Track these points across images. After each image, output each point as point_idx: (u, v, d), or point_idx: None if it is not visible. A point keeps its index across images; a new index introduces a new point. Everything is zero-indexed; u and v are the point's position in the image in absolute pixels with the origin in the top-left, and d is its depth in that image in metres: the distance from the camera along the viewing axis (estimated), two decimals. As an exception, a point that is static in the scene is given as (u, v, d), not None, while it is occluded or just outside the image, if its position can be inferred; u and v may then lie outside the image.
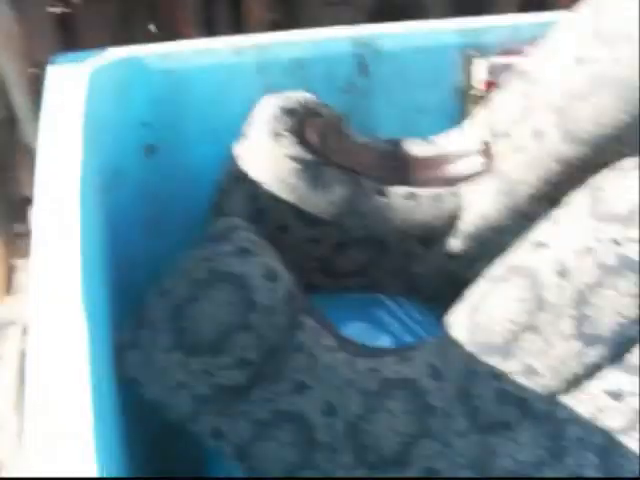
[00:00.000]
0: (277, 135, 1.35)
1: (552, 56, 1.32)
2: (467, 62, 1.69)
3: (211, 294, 1.24)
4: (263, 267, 1.25)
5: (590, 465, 1.23)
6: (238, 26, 2.60)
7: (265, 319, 1.24)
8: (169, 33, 2.56)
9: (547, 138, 1.31)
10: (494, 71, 1.65)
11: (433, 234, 1.41)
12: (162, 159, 1.59)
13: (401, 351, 1.30)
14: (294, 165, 1.34)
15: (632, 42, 1.24)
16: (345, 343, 1.29)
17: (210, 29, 2.55)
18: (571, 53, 1.29)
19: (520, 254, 1.25)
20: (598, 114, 1.27)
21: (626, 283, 1.19)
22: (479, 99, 1.65)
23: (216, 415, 1.27)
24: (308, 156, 1.35)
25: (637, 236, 1.19)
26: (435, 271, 1.46)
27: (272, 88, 1.54)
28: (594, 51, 1.26)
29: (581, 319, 1.20)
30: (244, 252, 1.26)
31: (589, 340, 1.21)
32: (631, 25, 1.27)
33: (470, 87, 1.71)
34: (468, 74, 1.71)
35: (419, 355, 1.27)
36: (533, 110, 1.33)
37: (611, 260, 1.19)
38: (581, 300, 1.20)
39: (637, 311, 1.20)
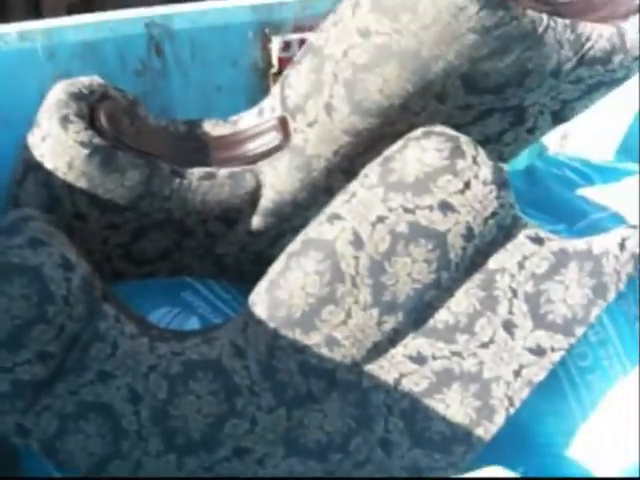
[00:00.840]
0: (66, 121, 1.32)
1: (338, 30, 1.33)
2: (263, 40, 1.69)
3: (4, 289, 1.20)
4: (57, 257, 1.22)
5: (396, 430, 1.26)
6: (35, 13, 2.52)
7: (63, 310, 1.21)
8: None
9: (338, 111, 1.33)
10: (289, 47, 1.65)
11: (234, 213, 1.41)
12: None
13: (205, 332, 1.29)
14: (84, 151, 1.31)
15: (413, 12, 1.26)
16: (148, 329, 1.28)
17: (4, 16, 2.46)
18: (354, 26, 1.30)
19: (316, 227, 1.26)
20: (384, 85, 1.29)
21: (419, 249, 1.22)
22: (277, 76, 1.65)
23: (20, 412, 1.23)
24: (99, 141, 1.32)
25: (427, 203, 1.22)
26: (239, 250, 1.45)
27: (64, 74, 1.50)
28: (376, 23, 1.28)
29: (378, 287, 1.22)
30: (36, 243, 1.23)
31: (387, 308, 1.23)
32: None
33: (269, 65, 1.72)
34: (266, 52, 1.71)
35: (223, 335, 1.27)
36: (324, 84, 1.34)
37: (402, 227, 1.22)
38: (377, 269, 1.22)
39: (431, 276, 1.23)
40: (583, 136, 1.93)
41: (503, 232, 1.24)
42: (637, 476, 1.28)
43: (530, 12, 1.32)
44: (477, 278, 1.24)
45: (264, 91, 1.65)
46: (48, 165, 1.33)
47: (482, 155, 1.26)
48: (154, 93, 1.65)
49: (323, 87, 1.34)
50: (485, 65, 1.30)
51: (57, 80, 1.43)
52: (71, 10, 2.49)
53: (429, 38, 1.27)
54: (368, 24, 1.30)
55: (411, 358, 1.26)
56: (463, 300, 1.23)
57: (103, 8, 2.26)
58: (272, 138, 1.41)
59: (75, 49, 1.58)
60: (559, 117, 1.45)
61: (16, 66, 1.55)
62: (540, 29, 1.32)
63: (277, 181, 1.39)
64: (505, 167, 1.33)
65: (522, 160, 1.70)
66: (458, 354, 1.24)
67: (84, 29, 1.59)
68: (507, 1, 1.30)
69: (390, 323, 1.23)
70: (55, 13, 2.46)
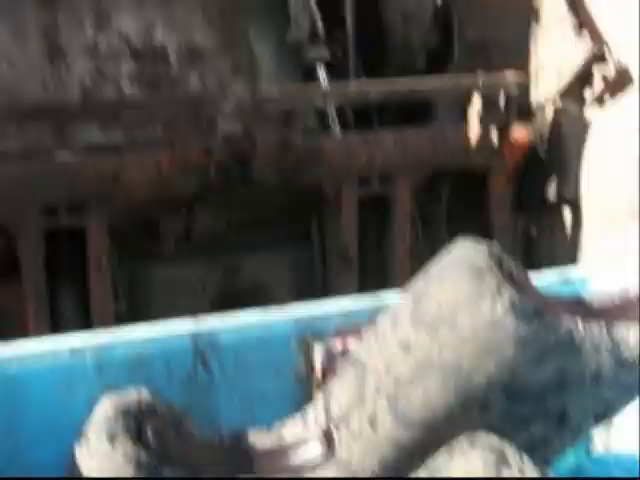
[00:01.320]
0: (114, 438, 1.35)
1: (379, 343, 1.38)
2: (305, 349, 1.74)
3: None
4: None
5: None
6: (85, 316, 2.63)
7: None
8: (14, 328, 2.57)
9: (381, 424, 1.34)
10: (331, 357, 1.69)
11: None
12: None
13: None
14: (130, 468, 1.32)
15: (452, 326, 1.31)
16: None
17: (55, 319, 2.57)
18: (395, 339, 1.34)
19: None
20: (426, 397, 1.31)
21: None
22: (320, 385, 1.68)
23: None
24: (145, 457, 1.34)
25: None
26: None
27: (112, 385, 1.54)
28: (416, 337, 1.32)
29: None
30: None
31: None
32: (449, 310, 1.34)
33: (312, 373, 1.75)
34: (308, 361, 1.75)
35: None
36: (367, 397, 1.37)
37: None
38: None
39: None
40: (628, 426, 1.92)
41: None
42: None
43: (565, 318, 1.36)
44: None
45: (307, 399, 1.68)
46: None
47: (528, 464, 1.26)
48: (200, 402, 1.68)
49: (366, 399, 1.37)
50: (525, 374, 1.33)
51: (105, 391, 1.47)
52: (119, 317, 2.60)
53: (469, 351, 1.31)
54: (408, 338, 1.34)
55: None
56: None
57: (149, 313, 2.35)
58: (317, 451, 1.42)
59: (124, 363, 1.62)
60: (602, 417, 1.46)
61: (66, 379, 1.60)
62: (576, 336, 1.35)
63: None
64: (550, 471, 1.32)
65: (569, 456, 1.69)
66: None
67: (133, 344, 1.64)
68: (542, 311, 1.34)
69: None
70: (104, 318, 2.57)
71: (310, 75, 3.28)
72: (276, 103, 2.47)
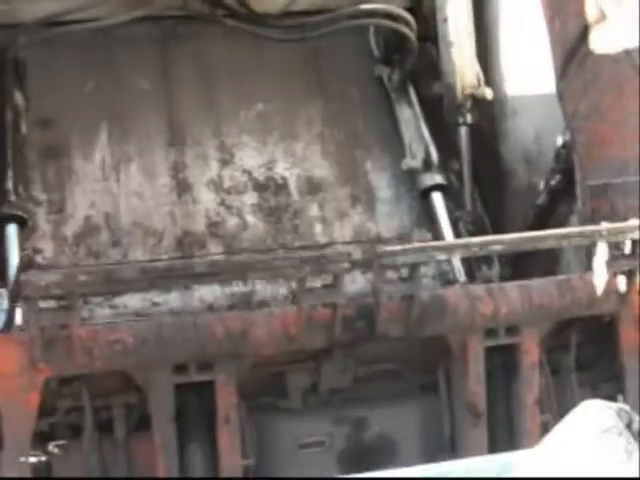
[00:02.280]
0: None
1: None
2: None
3: None
4: None
5: None
6: (213, 469, 2.66)
7: None
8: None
9: None
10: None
11: None
12: None
13: None
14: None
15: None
16: None
17: (184, 471, 2.60)
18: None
19: None
20: None
21: None
22: None
23: None
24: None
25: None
26: None
27: None
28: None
29: None
30: None
31: None
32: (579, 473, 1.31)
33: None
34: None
35: None
36: None
37: None
38: None
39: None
40: None
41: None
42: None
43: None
44: None
45: None
46: None
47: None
48: None
49: None
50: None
51: None
52: (247, 471, 2.63)
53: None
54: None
55: None
56: None
57: (276, 467, 2.35)
58: None
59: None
60: None
61: None
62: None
63: None
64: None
65: None
66: None
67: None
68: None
69: None
70: (232, 472, 2.59)
71: (425, 200, 3.41)
72: (399, 257, 2.50)
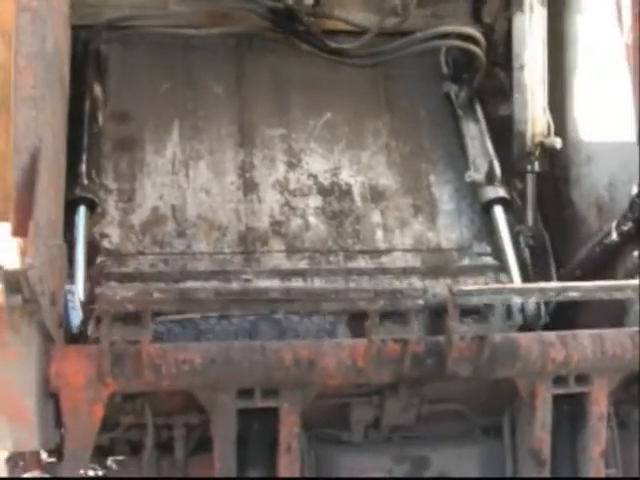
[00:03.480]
0: None
1: None
2: None
3: None
4: None
5: None
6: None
7: None
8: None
9: None
10: None
11: None
12: None
13: None
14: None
15: None
16: None
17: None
18: None
19: None
20: None
21: None
22: None
23: None
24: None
25: None
26: None
27: None
28: None
29: None
30: None
31: None
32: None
33: None
34: None
35: None
36: None
37: None
38: None
39: None
40: None
41: None
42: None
43: None
44: None
45: None
46: None
47: None
48: None
49: None
50: None
51: None
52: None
53: None
54: None
55: None
56: None
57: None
58: None
59: None
60: None
61: None
62: None
63: None
64: None
65: None
66: None
67: None
68: None
69: None
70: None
71: (487, 214, 3.46)
72: (473, 297, 2.47)
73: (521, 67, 3.60)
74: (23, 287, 2.21)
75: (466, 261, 3.33)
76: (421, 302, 2.45)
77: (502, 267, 3.31)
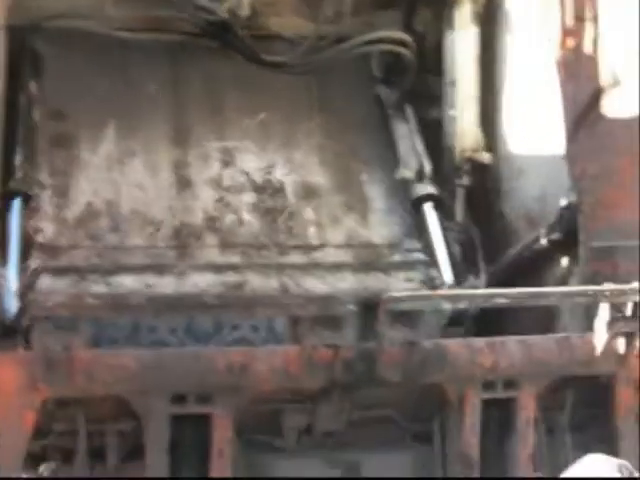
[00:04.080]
0: None
1: None
2: None
3: None
4: None
5: None
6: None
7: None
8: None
9: None
10: None
11: None
12: None
13: None
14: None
15: None
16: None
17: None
18: None
19: None
20: None
21: None
22: None
23: None
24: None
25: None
26: None
27: None
28: None
29: None
30: None
31: None
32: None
33: None
34: None
35: None
36: None
37: None
38: None
39: None
40: None
41: None
42: None
43: None
44: None
45: None
46: None
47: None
48: None
49: None
50: None
51: None
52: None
53: None
54: None
55: None
56: None
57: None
58: None
59: None
60: None
61: None
62: None
63: None
64: None
65: None
66: None
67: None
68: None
69: None
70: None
71: (417, 211, 3.55)
72: (403, 303, 2.52)
73: (452, 83, 3.70)
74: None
75: (397, 257, 3.41)
76: (352, 308, 2.49)
77: (432, 262, 3.39)
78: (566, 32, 3.25)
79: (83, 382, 2.46)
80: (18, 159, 3.26)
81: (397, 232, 3.50)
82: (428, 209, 3.54)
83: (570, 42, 3.24)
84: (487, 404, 2.75)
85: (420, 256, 3.43)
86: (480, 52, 3.72)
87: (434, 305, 2.54)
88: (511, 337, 2.75)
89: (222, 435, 2.58)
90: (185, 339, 2.91)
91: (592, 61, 3.17)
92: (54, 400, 2.53)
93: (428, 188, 3.57)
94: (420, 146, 3.69)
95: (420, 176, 3.60)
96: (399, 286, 3.29)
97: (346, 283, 3.27)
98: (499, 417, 2.79)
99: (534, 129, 3.57)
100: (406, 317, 2.55)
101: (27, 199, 3.22)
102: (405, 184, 3.60)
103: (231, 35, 3.66)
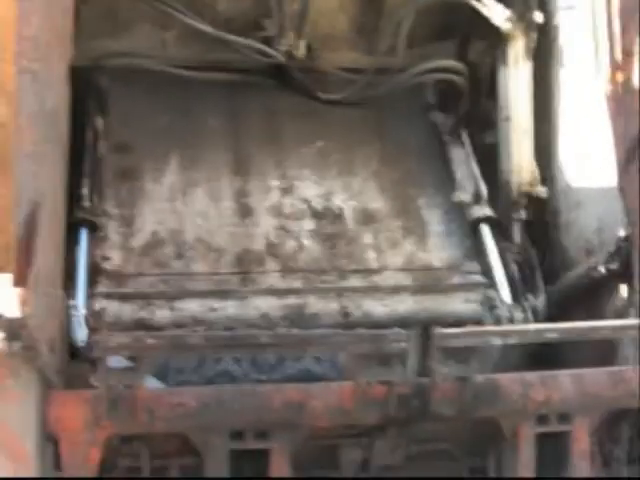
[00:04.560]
0: None
1: None
2: None
3: None
4: None
5: None
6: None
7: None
8: None
9: None
10: None
11: None
12: None
13: None
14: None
15: None
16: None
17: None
18: None
19: None
20: None
21: None
22: None
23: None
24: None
25: None
26: None
27: None
28: None
29: None
30: None
31: None
32: None
33: None
34: None
35: None
36: None
37: None
38: None
39: None
40: None
41: None
42: None
43: None
44: None
45: None
46: None
47: None
48: None
49: None
50: None
51: None
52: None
53: None
54: None
55: None
56: None
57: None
58: None
59: None
60: None
61: None
62: None
63: None
64: None
65: None
66: None
67: None
68: None
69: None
70: None
71: (475, 234, 3.60)
72: (456, 339, 2.57)
73: (507, 119, 3.72)
74: (22, 335, 2.32)
75: (456, 279, 3.46)
76: (403, 345, 2.54)
77: (490, 284, 3.43)
78: (615, 66, 3.28)
79: (145, 419, 2.55)
80: (85, 190, 3.38)
81: (455, 254, 3.55)
82: (485, 231, 3.59)
83: (619, 77, 3.27)
84: (541, 438, 2.77)
85: (479, 278, 3.48)
86: (533, 86, 3.75)
87: (485, 341, 2.58)
88: (563, 371, 2.78)
89: (280, 471, 2.65)
90: (249, 370, 2.98)
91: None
92: (119, 437, 2.63)
93: (485, 210, 3.62)
94: (476, 170, 3.75)
95: (477, 199, 3.66)
96: (458, 307, 3.36)
97: (405, 305, 3.33)
98: (554, 451, 2.81)
99: (590, 162, 3.59)
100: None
101: (94, 229, 3.33)
102: (462, 207, 3.66)
103: (288, 76, 3.78)
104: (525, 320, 3.33)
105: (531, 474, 2.76)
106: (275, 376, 2.93)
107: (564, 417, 2.76)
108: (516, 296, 3.39)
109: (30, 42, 2.55)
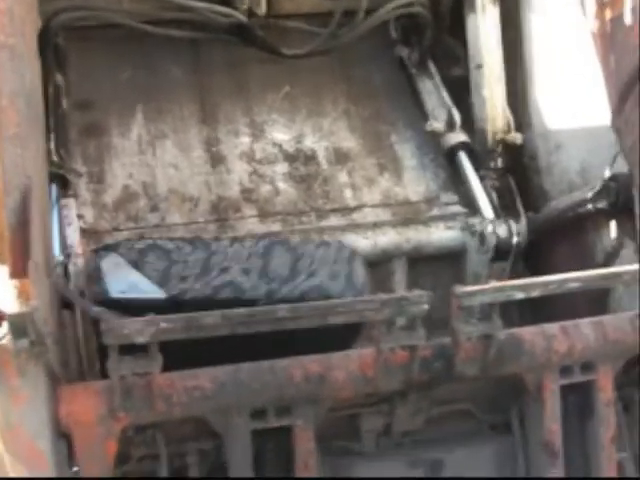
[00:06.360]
0: None
1: None
2: None
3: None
4: None
5: None
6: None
7: None
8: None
9: None
10: None
11: None
12: None
13: None
14: None
15: None
16: None
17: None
18: None
19: None
20: None
21: None
22: None
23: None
24: None
25: None
26: None
27: None
28: None
29: None
30: None
31: None
32: None
33: None
34: None
35: None
36: None
37: None
38: None
39: None
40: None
41: None
42: None
43: None
44: None
45: None
46: None
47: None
48: None
49: None
50: None
51: None
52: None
53: None
54: None
55: None
56: None
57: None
58: None
59: None
60: None
61: None
62: None
63: None
64: None
65: None
66: None
67: None
68: None
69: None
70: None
71: (451, 163, 3.59)
72: (477, 297, 2.48)
73: (478, 67, 3.67)
74: (29, 330, 2.17)
75: (435, 211, 3.45)
76: (426, 307, 2.45)
77: (472, 212, 3.44)
78: (602, 4, 3.20)
79: (162, 407, 2.42)
80: (52, 144, 3.28)
81: (433, 187, 3.54)
82: (463, 157, 3.58)
83: (607, 13, 3.18)
84: (565, 390, 2.71)
85: (458, 208, 3.48)
86: (503, 32, 3.67)
87: (508, 296, 2.50)
88: (584, 320, 2.71)
89: (305, 447, 2.54)
90: (257, 282, 2.85)
91: (633, 31, 3.10)
92: (133, 427, 2.50)
93: (460, 137, 3.60)
94: (447, 98, 3.72)
95: (450, 126, 3.63)
96: (441, 235, 3.38)
97: (387, 238, 3.33)
98: (578, 402, 2.75)
99: (568, 103, 3.53)
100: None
101: (64, 185, 3.26)
102: (436, 137, 3.63)
103: (251, 34, 3.67)
104: (509, 236, 3.40)
105: (557, 427, 2.69)
106: (285, 289, 2.81)
107: (588, 367, 2.70)
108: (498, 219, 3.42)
109: (5, 16, 2.37)
